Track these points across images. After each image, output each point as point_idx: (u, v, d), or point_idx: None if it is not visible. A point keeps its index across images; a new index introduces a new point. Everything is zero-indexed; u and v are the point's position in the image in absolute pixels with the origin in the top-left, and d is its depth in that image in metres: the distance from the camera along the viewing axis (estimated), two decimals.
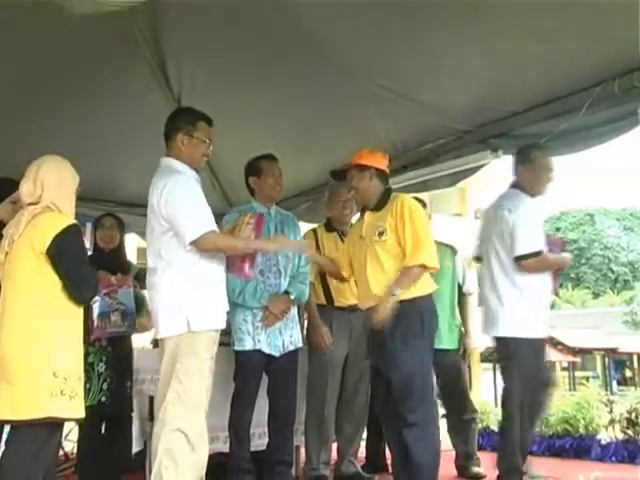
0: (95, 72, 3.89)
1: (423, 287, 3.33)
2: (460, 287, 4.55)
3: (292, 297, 3.76)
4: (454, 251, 4.56)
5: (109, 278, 3.69)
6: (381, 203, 3.45)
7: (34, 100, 4.05)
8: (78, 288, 2.70)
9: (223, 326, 3.09)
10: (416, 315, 3.28)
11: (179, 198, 2.96)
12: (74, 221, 2.74)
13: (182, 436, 2.88)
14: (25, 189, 2.77)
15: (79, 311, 2.76)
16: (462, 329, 4.51)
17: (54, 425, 2.60)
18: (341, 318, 4.10)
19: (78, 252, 2.75)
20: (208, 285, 3.02)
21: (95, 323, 3.55)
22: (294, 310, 3.84)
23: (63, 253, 2.65)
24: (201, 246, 2.94)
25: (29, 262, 2.65)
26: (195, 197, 3.01)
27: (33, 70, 3.83)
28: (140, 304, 3.81)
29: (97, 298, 3.51)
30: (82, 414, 2.70)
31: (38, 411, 2.52)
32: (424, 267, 3.29)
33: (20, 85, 3.92)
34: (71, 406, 2.60)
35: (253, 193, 3.89)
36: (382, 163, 3.52)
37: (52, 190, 2.75)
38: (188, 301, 2.95)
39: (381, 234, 3.37)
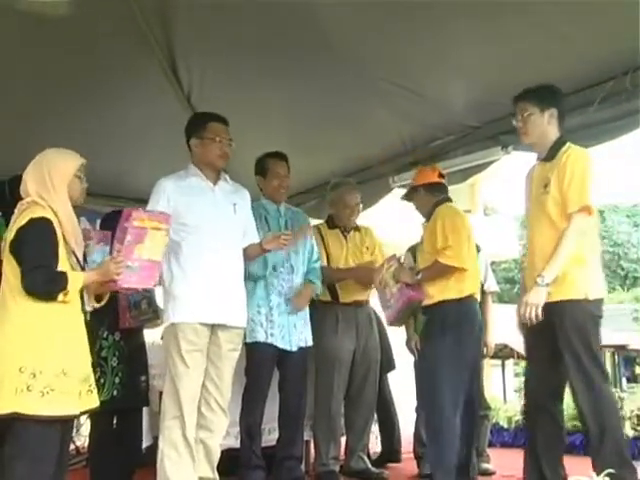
0: (108, 72, 3.92)
1: (452, 291, 3.47)
2: (481, 285, 4.53)
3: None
4: (478, 249, 4.54)
5: None
6: (429, 215, 3.67)
7: (49, 100, 4.09)
8: (25, 283, 2.55)
9: (210, 320, 3.14)
10: (437, 321, 3.46)
11: None
12: (42, 215, 2.61)
13: (180, 425, 2.99)
14: (21, 183, 2.76)
15: (69, 306, 2.66)
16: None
17: (41, 422, 2.51)
18: (347, 314, 4.10)
19: (33, 246, 2.58)
20: (185, 278, 3.14)
21: (129, 313, 3.58)
22: (306, 309, 3.85)
23: (20, 247, 2.58)
24: None
25: (6, 259, 2.63)
26: (150, 201, 3.20)
27: (48, 71, 3.87)
28: None
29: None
30: (69, 412, 2.59)
31: (5, 406, 2.47)
32: (454, 268, 3.46)
33: (36, 86, 3.97)
34: (44, 403, 2.49)
35: (262, 190, 3.90)
36: (429, 177, 3.73)
37: (37, 184, 2.69)
38: (169, 294, 3.16)
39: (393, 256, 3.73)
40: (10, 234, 2.63)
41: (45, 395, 2.51)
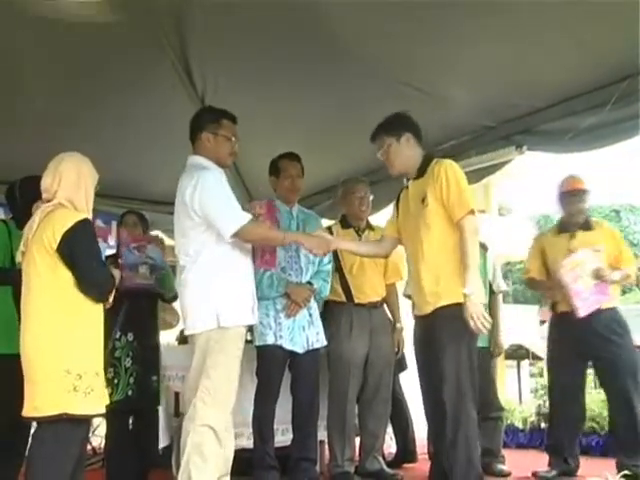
0: (124, 75, 3.95)
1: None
2: (490, 285, 4.52)
3: (314, 287, 3.77)
4: (485, 248, 4.53)
5: (137, 233, 3.80)
6: (586, 223, 4.14)
7: (65, 103, 4.13)
8: (88, 284, 2.68)
9: (254, 322, 3.11)
10: (621, 321, 4.05)
11: (213, 194, 3.00)
12: (85, 216, 2.72)
13: (211, 431, 2.91)
14: (43, 184, 2.78)
15: (97, 307, 2.76)
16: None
17: (74, 422, 2.60)
18: (361, 315, 4.08)
19: (88, 247, 2.71)
20: (236, 280, 3.04)
21: (124, 272, 3.46)
22: (314, 310, 3.85)
23: (73, 249, 2.64)
24: (244, 237, 3.01)
25: (42, 261, 2.65)
26: (227, 192, 3.05)
27: (65, 74, 3.91)
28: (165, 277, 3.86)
29: (125, 250, 3.55)
30: (101, 410, 2.70)
31: (53, 408, 2.54)
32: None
33: (52, 88, 4.01)
34: (87, 402, 2.60)
35: (275, 191, 3.91)
36: (580, 184, 4.13)
37: (69, 187, 2.75)
38: (217, 296, 2.97)
39: (597, 251, 3.98)
40: (53, 237, 2.63)
41: (87, 395, 2.60)
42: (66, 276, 2.65)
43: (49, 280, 2.64)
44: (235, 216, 2.98)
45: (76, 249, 2.64)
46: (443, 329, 3.01)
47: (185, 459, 2.92)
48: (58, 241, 2.62)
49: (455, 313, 2.95)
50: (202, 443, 2.91)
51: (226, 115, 3.23)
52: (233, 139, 3.20)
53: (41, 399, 2.57)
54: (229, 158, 3.25)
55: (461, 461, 2.94)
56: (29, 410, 2.60)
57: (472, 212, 3.02)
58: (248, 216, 3.02)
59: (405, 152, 3.22)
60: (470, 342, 3.03)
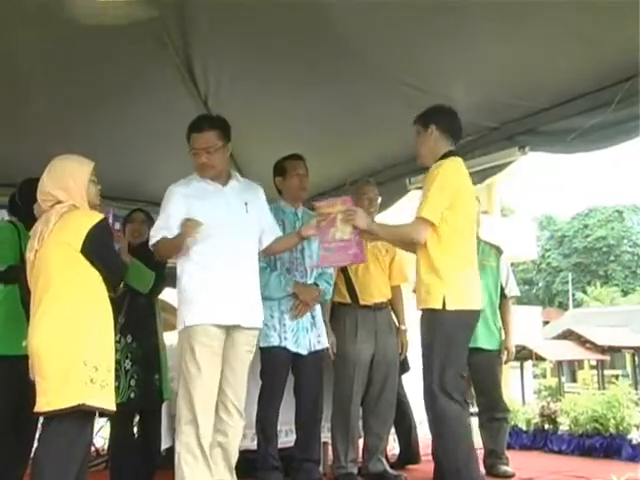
0: (126, 76, 3.95)
1: None
2: (502, 288, 4.51)
3: (320, 288, 3.79)
4: (499, 252, 4.52)
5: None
6: None
7: (67, 103, 4.13)
8: (113, 276, 2.90)
9: (224, 322, 3.10)
10: None
11: (161, 206, 3.26)
12: (102, 216, 2.84)
13: (194, 429, 2.98)
14: (40, 199, 2.84)
15: (108, 304, 2.81)
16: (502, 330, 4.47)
17: (84, 419, 2.63)
18: (367, 317, 4.08)
19: (110, 245, 2.95)
20: (198, 281, 3.10)
21: None
22: (317, 311, 3.85)
23: (98, 248, 2.76)
24: (155, 252, 3.25)
25: (59, 258, 2.70)
26: (164, 207, 3.21)
27: (67, 74, 3.90)
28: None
29: None
30: (113, 406, 2.72)
31: (71, 399, 2.56)
32: None
33: (53, 89, 4.01)
34: (102, 395, 2.63)
35: (280, 193, 3.91)
36: None
37: (67, 192, 2.81)
38: (182, 297, 3.14)
39: None
40: (76, 236, 2.71)
41: (103, 388, 2.64)
42: (83, 272, 2.72)
43: (66, 276, 2.70)
44: (154, 232, 3.20)
45: (101, 249, 2.79)
46: (424, 330, 3.07)
47: (177, 458, 3.00)
48: (83, 240, 2.71)
49: (428, 318, 3.02)
50: (189, 441, 2.99)
51: (192, 128, 3.24)
52: (194, 151, 3.20)
53: (55, 392, 2.57)
54: (200, 171, 3.24)
55: (452, 463, 2.94)
56: (42, 405, 2.60)
57: (423, 220, 3.02)
58: (159, 234, 3.15)
59: (429, 143, 3.20)
60: (451, 344, 3.02)
